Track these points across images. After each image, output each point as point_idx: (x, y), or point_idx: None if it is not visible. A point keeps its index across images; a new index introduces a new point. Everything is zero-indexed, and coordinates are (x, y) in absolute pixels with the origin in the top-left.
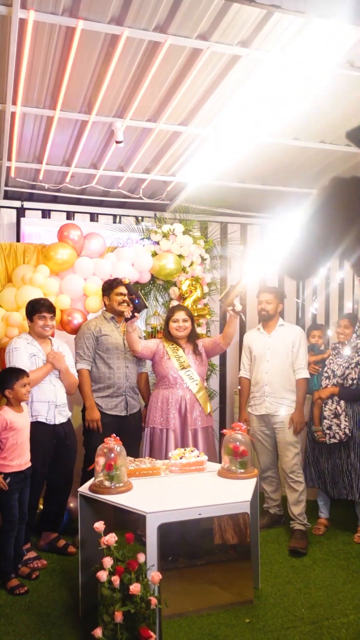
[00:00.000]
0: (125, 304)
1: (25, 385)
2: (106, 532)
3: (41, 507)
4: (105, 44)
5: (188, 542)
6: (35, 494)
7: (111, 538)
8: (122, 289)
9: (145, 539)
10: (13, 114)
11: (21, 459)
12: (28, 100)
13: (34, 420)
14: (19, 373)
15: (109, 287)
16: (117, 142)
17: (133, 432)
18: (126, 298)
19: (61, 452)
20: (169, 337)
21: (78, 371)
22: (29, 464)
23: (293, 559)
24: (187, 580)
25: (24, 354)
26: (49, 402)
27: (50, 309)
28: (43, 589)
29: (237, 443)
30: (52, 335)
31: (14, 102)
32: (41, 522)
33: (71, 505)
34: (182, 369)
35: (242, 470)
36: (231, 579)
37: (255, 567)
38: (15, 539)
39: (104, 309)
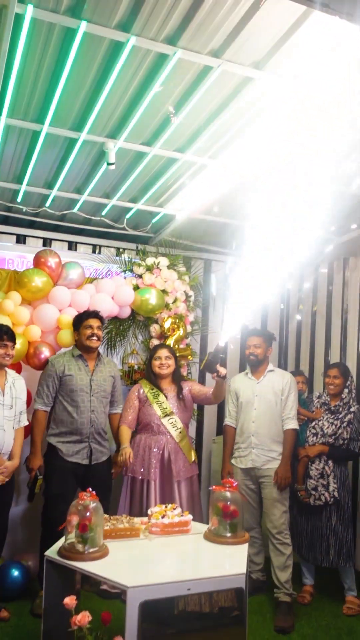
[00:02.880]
0: (96, 338)
1: None
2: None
3: None
4: (108, 52)
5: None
6: None
7: (84, 618)
8: (93, 322)
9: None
10: None
11: None
12: (15, 111)
13: None
14: None
15: (79, 320)
16: (109, 165)
17: (100, 484)
18: (96, 332)
19: None
20: (151, 378)
21: (34, 411)
22: None
23: (280, 635)
24: None
25: None
26: None
27: (12, 337)
28: None
29: (228, 502)
30: (10, 367)
31: None
32: None
33: (30, 563)
34: (165, 416)
35: (231, 534)
36: None
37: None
38: None
39: (74, 345)
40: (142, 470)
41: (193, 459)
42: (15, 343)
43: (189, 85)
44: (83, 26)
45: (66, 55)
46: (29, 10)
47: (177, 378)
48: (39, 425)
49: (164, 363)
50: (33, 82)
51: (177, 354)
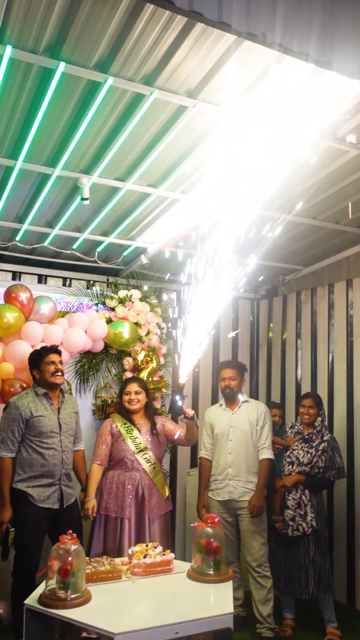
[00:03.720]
0: (60, 374)
1: None
2: None
3: None
4: (85, 91)
5: None
6: None
7: None
8: (54, 357)
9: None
10: None
11: None
12: None
13: None
14: None
15: (38, 356)
16: (83, 200)
17: (72, 526)
18: (60, 367)
19: None
20: (123, 412)
21: None
22: None
23: None
24: None
25: None
26: None
27: None
28: None
29: (210, 539)
30: None
31: None
32: None
33: (1, 611)
34: (139, 451)
35: (215, 572)
36: None
37: None
38: None
39: (35, 383)
40: (115, 508)
41: (167, 495)
42: None
43: (164, 124)
44: (61, 67)
45: (43, 94)
46: (8, 51)
47: (150, 412)
48: (6, 473)
49: (134, 398)
50: (8, 118)
51: (151, 387)
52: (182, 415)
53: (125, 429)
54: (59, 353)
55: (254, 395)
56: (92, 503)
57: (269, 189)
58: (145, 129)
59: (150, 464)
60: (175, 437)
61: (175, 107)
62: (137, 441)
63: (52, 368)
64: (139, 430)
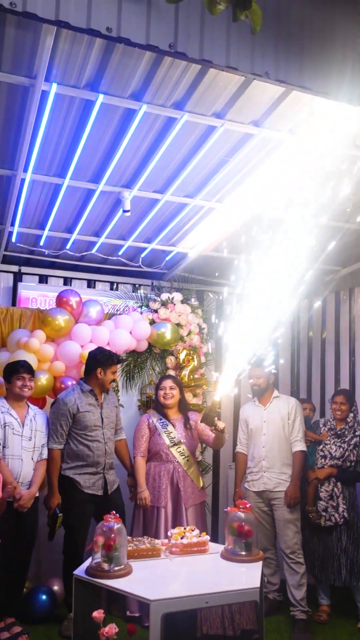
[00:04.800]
0: (114, 384)
1: None
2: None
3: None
4: (122, 117)
5: (177, 631)
6: None
7: (111, 629)
8: (116, 368)
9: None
10: (22, 181)
11: None
12: (39, 168)
13: None
14: None
15: (106, 361)
16: (125, 212)
17: (116, 511)
18: (116, 376)
19: (19, 531)
20: (158, 407)
21: (49, 450)
22: None
23: None
24: None
25: None
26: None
27: (29, 370)
28: None
29: (242, 522)
30: (35, 401)
31: (25, 169)
32: None
33: (55, 588)
34: (173, 445)
35: (246, 553)
36: None
37: None
38: None
39: (82, 379)
40: (152, 497)
41: (202, 485)
42: (33, 376)
43: (195, 142)
44: (100, 98)
45: (85, 122)
46: (54, 88)
47: (184, 408)
48: (55, 463)
49: (168, 393)
50: (56, 143)
51: (192, 384)
52: (214, 427)
53: (161, 423)
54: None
55: (295, 393)
56: (146, 493)
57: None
58: (179, 147)
59: (184, 456)
60: (205, 437)
61: (204, 127)
62: (171, 435)
63: (113, 377)
64: (174, 425)
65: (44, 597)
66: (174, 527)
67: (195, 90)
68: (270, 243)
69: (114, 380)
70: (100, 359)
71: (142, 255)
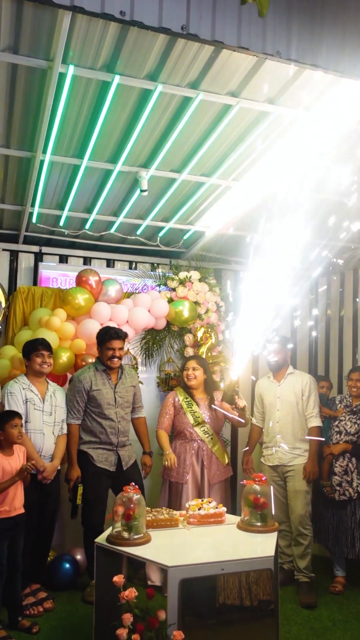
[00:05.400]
0: (116, 359)
1: (16, 427)
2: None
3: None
4: (138, 97)
5: (195, 600)
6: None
7: (131, 593)
8: (116, 344)
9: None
10: (41, 162)
11: (10, 505)
12: (57, 149)
13: None
14: (9, 415)
15: (102, 338)
16: (142, 191)
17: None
18: (118, 353)
19: (43, 502)
20: (184, 387)
21: (67, 425)
22: (21, 511)
23: (312, 620)
24: None
25: (19, 399)
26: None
27: (48, 347)
28: None
29: (257, 495)
30: (56, 378)
31: (44, 151)
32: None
33: (78, 557)
34: (197, 424)
35: (262, 524)
36: (252, 639)
37: (277, 628)
38: (11, 589)
39: (98, 358)
40: (176, 474)
41: (226, 462)
42: (51, 353)
43: (211, 121)
44: (117, 79)
45: (102, 103)
46: (71, 70)
47: (209, 388)
48: (73, 438)
49: (191, 374)
50: (74, 124)
51: (210, 361)
52: (234, 405)
53: (186, 402)
54: (123, 338)
55: (312, 370)
56: (172, 455)
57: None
58: (195, 126)
59: (207, 435)
60: (229, 416)
61: (220, 106)
62: (195, 415)
63: (110, 353)
64: (198, 405)
65: (67, 565)
66: None
67: (210, 69)
68: (288, 220)
69: (114, 357)
70: (97, 337)
71: (160, 234)
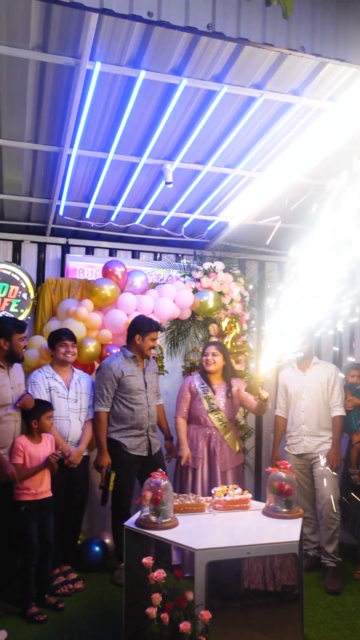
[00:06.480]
0: (154, 349)
1: (49, 418)
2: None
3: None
4: (163, 91)
5: (221, 584)
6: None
7: (160, 574)
8: (157, 335)
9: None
10: (68, 156)
11: (37, 488)
12: (84, 143)
13: None
14: (45, 406)
15: (146, 328)
16: (167, 184)
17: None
18: (156, 344)
19: (71, 486)
20: (203, 372)
21: (95, 413)
22: (48, 494)
23: (336, 605)
24: (227, 624)
25: (42, 388)
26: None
27: (72, 337)
28: (83, 624)
29: (282, 482)
30: (82, 367)
31: (71, 145)
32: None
33: (107, 541)
34: (212, 411)
35: (287, 510)
36: (275, 623)
37: (301, 612)
38: (41, 569)
39: (125, 346)
40: (190, 459)
41: (237, 449)
42: (75, 342)
43: (235, 113)
44: (142, 74)
45: (128, 97)
46: (98, 66)
47: (227, 375)
48: (102, 425)
49: (210, 359)
50: (100, 119)
51: (235, 351)
52: (257, 396)
53: (202, 388)
54: (162, 331)
55: (337, 361)
56: (187, 451)
57: None
58: (219, 118)
59: (221, 422)
60: (248, 405)
61: (244, 98)
62: (211, 402)
63: (152, 344)
64: (214, 392)
65: (96, 548)
66: (209, 488)
67: (235, 62)
68: (315, 211)
69: (153, 347)
70: (139, 326)
71: (185, 225)
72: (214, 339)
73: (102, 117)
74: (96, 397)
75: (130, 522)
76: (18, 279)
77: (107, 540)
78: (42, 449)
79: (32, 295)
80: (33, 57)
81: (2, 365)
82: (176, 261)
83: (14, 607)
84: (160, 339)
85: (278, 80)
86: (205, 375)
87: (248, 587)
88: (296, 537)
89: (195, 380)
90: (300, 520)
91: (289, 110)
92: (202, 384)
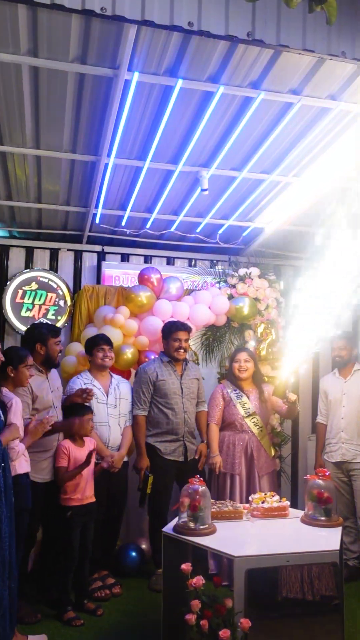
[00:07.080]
0: (182, 351)
1: (89, 421)
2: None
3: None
4: (200, 99)
5: (258, 593)
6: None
7: (199, 580)
8: (182, 335)
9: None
10: (105, 165)
11: (82, 494)
12: (121, 152)
13: None
14: (84, 409)
15: (168, 330)
16: (203, 190)
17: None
18: (184, 345)
19: (112, 491)
20: (232, 379)
21: (134, 417)
22: (92, 499)
23: None
24: (265, 633)
25: None
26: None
27: (109, 341)
28: (121, 629)
29: (322, 489)
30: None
31: (108, 154)
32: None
33: (143, 546)
34: (248, 416)
35: (326, 518)
36: (315, 635)
37: (342, 623)
38: (80, 574)
39: (162, 351)
40: (227, 465)
41: (273, 454)
42: (112, 347)
43: (272, 119)
44: (179, 83)
45: (165, 106)
46: (135, 76)
47: (258, 380)
48: (140, 428)
49: (243, 366)
50: (137, 128)
51: (271, 357)
52: (286, 399)
53: (235, 394)
54: (189, 331)
55: None
56: (218, 459)
57: None
58: (255, 125)
59: (257, 427)
60: (277, 408)
61: (281, 104)
62: (246, 406)
63: (176, 344)
64: (248, 397)
65: (133, 553)
66: (247, 494)
67: (272, 69)
68: (349, 216)
69: (180, 348)
70: (163, 330)
71: (220, 231)
72: (250, 346)
73: (139, 126)
74: (134, 400)
75: (168, 528)
76: (55, 286)
77: (144, 546)
78: (85, 452)
79: (69, 303)
80: (72, 69)
81: (41, 370)
82: (211, 267)
83: (52, 611)
84: (196, 344)
85: (315, 85)
86: (235, 382)
87: (286, 596)
88: (336, 545)
89: (227, 387)
90: (340, 529)
91: (327, 115)
92: (235, 389)
